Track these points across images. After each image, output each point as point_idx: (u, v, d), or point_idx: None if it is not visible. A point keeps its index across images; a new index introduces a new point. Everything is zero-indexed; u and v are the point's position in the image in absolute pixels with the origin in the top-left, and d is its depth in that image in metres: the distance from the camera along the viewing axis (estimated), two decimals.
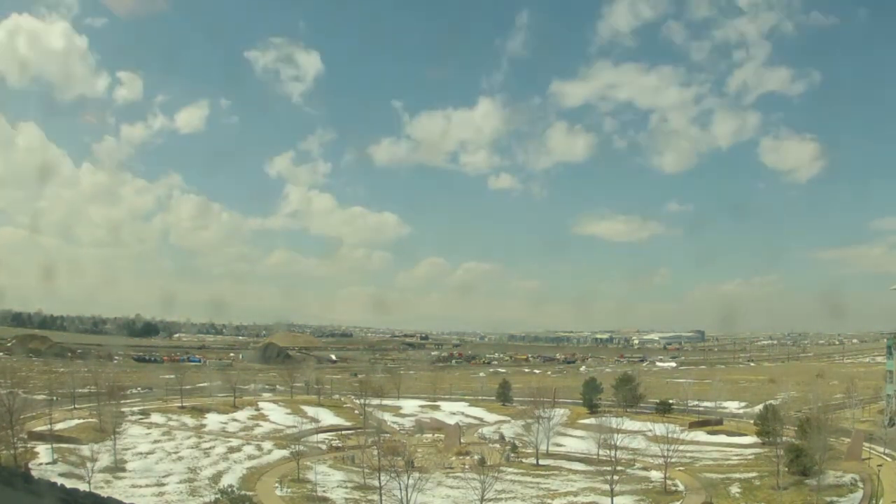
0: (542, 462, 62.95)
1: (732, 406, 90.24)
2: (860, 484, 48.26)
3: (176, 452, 63.15)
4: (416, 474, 46.42)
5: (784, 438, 55.93)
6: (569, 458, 64.65)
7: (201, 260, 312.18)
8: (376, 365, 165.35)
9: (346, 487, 53.13)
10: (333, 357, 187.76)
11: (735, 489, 49.96)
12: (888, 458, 55.27)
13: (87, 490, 22.62)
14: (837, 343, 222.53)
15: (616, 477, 47.84)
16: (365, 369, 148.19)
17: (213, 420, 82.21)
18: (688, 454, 59.34)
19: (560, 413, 79.37)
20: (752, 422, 73.21)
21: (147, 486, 51.00)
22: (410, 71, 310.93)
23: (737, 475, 54.00)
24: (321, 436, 72.40)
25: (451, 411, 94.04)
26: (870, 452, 55.46)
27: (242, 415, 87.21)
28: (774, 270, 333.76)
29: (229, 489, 46.72)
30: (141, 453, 61.49)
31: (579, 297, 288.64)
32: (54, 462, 54.04)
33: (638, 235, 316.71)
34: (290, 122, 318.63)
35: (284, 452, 62.03)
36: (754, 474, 53.58)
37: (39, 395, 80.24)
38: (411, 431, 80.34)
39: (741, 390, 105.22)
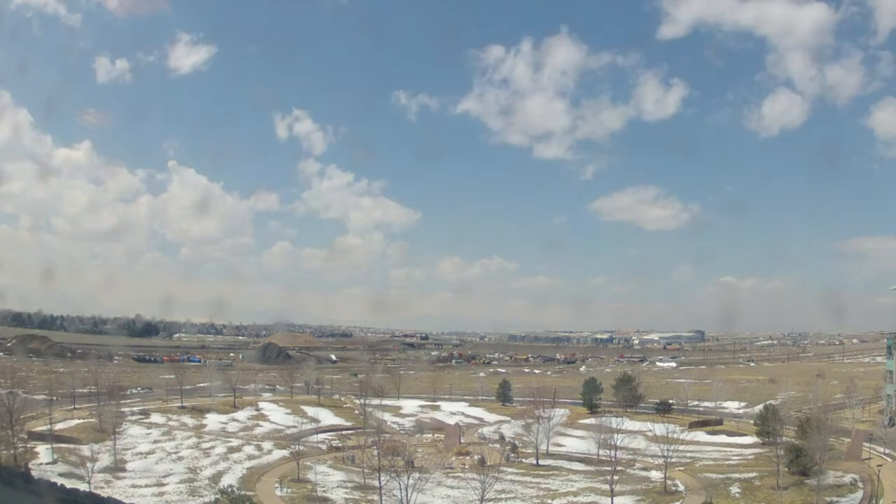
0: (542, 462, 62.98)
1: (732, 406, 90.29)
2: (860, 484, 48.32)
3: (176, 452, 63.16)
4: (416, 474, 46.41)
5: (784, 438, 55.96)
6: (569, 458, 64.69)
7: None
8: (376, 365, 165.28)
9: (346, 487, 53.14)
10: (333, 357, 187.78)
11: (735, 489, 50.00)
12: (888, 458, 55.31)
13: (87, 490, 22.64)
14: (837, 343, 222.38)
15: (616, 477, 47.92)
16: (365, 369, 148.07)
17: (213, 420, 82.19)
18: (688, 454, 59.31)
19: (560, 413, 79.34)
20: (752, 422, 73.25)
21: (147, 486, 51.05)
22: (408, 69, 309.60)
23: (737, 475, 54.04)
24: (321, 436, 72.45)
25: (451, 411, 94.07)
26: (870, 452, 55.46)
27: (242, 415, 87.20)
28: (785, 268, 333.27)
29: (229, 489, 46.75)
30: (141, 453, 61.54)
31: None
32: (54, 462, 54.08)
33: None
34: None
35: (284, 452, 62.06)
36: (754, 474, 53.62)
37: (39, 395, 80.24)
38: (411, 431, 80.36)
39: (741, 390, 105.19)
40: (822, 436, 49.12)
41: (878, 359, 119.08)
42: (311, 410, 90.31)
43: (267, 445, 68.27)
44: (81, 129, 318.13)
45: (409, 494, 42.38)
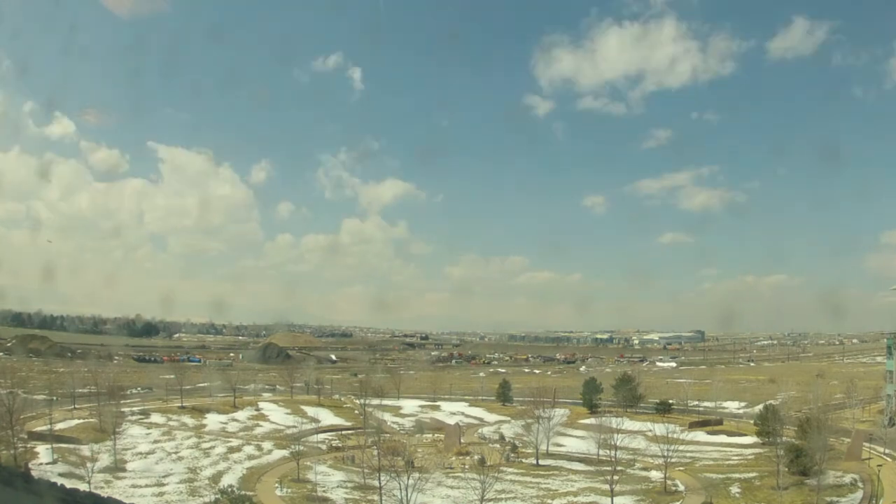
0: (542, 462, 62.97)
1: (732, 406, 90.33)
2: (860, 484, 48.28)
3: (176, 452, 63.14)
4: (416, 474, 46.36)
5: (784, 438, 55.94)
6: (569, 458, 64.67)
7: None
8: (376, 365, 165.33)
9: (346, 487, 53.11)
10: (333, 357, 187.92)
11: (735, 489, 49.96)
12: (888, 458, 55.31)
13: (87, 490, 22.64)
14: (837, 343, 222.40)
15: (616, 477, 47.90)
16: (365, 369, 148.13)
17: (213, 420, 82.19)
18: (688, 454, 59.30)
19: (560, 413, 79.35)
20: (752, 422, 73.25)
21: (147, 486, 51.01)
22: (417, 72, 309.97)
23: (737, 475, 54.01)
24: (321, 436, 72.43)
25: (451, 411, 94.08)
26: (870, 452, 55.45)
27: (242, 415, 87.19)
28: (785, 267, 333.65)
29: (229, 489, 46.73)
30: (141, 453, 61.51)
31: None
32: (54, 462, 54.03)
33: None
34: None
35: (284, 452, 62.04)
36: (754, 474, 53.60)
37: (39, 395, 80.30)
38: (411, 431, 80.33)
39: (741, 390, 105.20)
40: (822, 436, 49.11)
41: (878, 359, 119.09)
42: (311, 410, 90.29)
43: (267, 445, 68.26)
44: (82, 127, 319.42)
45: (409, 494, 42.35)
